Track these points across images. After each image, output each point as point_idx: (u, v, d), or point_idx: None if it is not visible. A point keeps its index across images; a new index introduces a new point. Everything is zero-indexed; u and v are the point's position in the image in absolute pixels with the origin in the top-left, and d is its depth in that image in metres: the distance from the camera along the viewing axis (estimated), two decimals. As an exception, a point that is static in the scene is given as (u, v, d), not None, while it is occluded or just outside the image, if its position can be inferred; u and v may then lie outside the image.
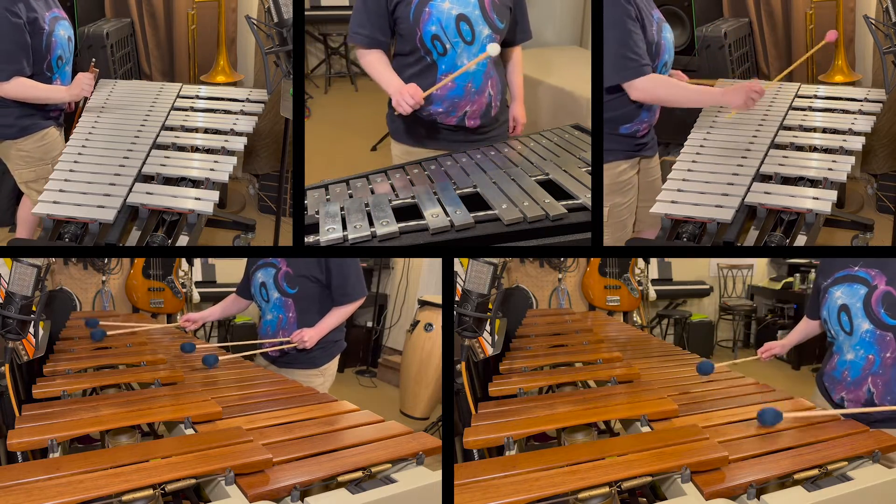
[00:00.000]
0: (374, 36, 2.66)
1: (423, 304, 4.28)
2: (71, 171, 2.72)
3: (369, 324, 5.31)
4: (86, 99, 3.06)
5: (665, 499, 1.65)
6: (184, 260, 4.69)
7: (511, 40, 2.83)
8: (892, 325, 2.13)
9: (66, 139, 2.95)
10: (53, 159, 2.87)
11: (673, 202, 2.51)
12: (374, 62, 2.69)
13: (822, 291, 2.31)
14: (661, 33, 2.59)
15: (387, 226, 2.02)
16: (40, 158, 2.89)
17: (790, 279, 5.97)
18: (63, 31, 2.94)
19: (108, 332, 2.92)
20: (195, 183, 2.73)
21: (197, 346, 2.90)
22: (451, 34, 2.59)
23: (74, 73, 3.01)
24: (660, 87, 2.50)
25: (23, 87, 2.81)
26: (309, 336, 2.78)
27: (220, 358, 2.71)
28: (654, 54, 2.54)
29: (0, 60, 2.75)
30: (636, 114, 2.59)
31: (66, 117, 3.12)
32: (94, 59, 3.21)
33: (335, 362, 2.94)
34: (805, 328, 2.65)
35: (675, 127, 3.10)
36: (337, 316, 2.85)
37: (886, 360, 2.15)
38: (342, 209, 2.18)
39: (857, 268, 2.22)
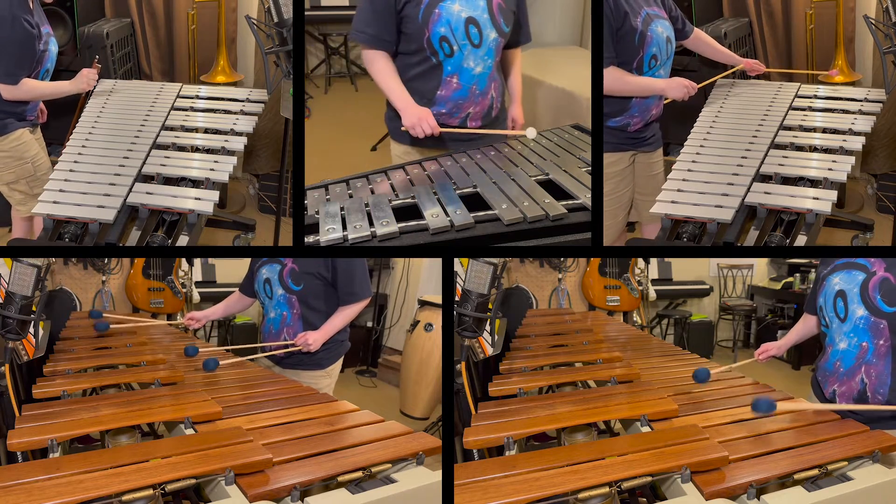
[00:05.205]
0: (380, 35, 2.62)
1: (423, 304, 4.27)
2: (71, 171, 2.72)
3: (369, 324, 5.31)
4: (88, 94, 3.07)
5: (665, 499, 1.65)
6: (184, 260, 4.69)
7: (514, 42, 2.84)
8: (887, 313, 2.09)
9: (47, 143, 2.98)
10: (32, 158, 2.88)
11: (673, 202, 2.52)
12: (384, 72, 2.65)
13: (820, 280, 2.28)
14: (650, 26, 2.64)
15: (387, 226, 2.02)
16: (18, 158, 2.88)
17: (790, 279, 5.96)
18: (53, 48, 2.99)
19: (111, 325, 2.92)
20: (195, 183, 2.74)
21: (200, 350, 2.89)
22: (459, 36, 2.59)
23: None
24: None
25: (33, 88, 2.88)
26: (314, 339, 2.76)
27: (221, 362, 2.70)
28: (636, 45, 2.63)
29: (16, 66, 2.81)
30: (625, 107, 2.72)
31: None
32: (97, 56, 3.30)
33: (339, 363, 2.94)
34: (803, 327, 2.62)
35: (675, 127, 3.11)
36: (342, 317, 2.84)
37: (880, 348, 2.11)
38: (342, 209, 2.18)
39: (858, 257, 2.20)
